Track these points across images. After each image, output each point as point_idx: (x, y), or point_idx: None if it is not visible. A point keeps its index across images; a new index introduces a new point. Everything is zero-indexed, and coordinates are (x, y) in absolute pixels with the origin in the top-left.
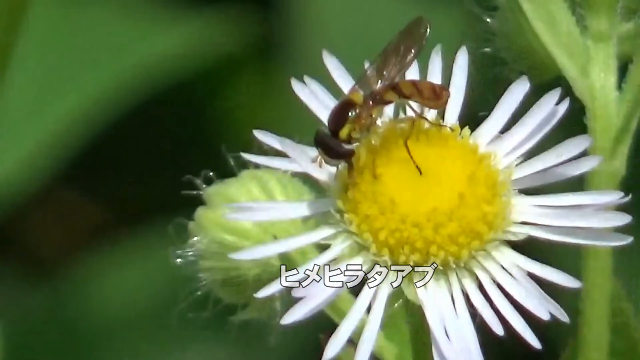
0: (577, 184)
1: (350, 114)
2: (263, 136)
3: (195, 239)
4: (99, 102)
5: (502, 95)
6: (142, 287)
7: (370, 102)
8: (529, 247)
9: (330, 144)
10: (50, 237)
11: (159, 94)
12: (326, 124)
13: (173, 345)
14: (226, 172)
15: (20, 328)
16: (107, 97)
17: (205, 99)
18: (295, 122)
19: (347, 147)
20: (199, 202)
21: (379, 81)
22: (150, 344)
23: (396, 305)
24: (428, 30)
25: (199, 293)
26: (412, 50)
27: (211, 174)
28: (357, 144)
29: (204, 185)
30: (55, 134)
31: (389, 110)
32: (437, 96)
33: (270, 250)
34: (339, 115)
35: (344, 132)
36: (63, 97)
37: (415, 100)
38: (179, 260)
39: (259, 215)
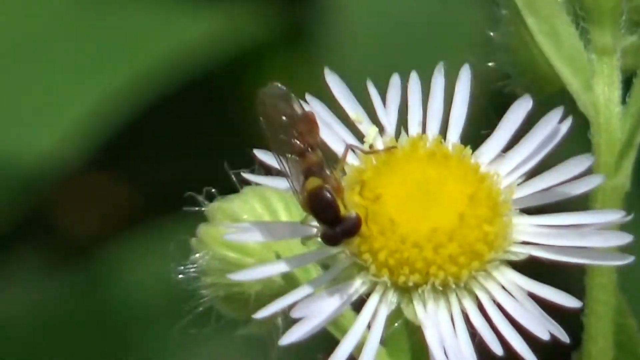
0: (583, 199)
1: (330, 195)
2: (263, 155)
3: (197, 255)
4: (129, 89)
5: (505, 112)
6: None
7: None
8: (535, 264)
9: (341, 230)
10: (83, 221)
11: (187, 83)
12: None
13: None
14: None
15: (52, 311)
16: (137, 85)
17: (234, 86)
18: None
19: (351, 217)
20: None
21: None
22: (182, 329)
23: (396, 324)
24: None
25: (200, 309)
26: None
27: (213, 190)
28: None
29: (206, 202)
30: (85, 121)
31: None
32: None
33: (271, 270)
34: (331, 204)
35: (342, 210)
36: (94, 85)
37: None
38: (180, 276)
39: (258, 235)
